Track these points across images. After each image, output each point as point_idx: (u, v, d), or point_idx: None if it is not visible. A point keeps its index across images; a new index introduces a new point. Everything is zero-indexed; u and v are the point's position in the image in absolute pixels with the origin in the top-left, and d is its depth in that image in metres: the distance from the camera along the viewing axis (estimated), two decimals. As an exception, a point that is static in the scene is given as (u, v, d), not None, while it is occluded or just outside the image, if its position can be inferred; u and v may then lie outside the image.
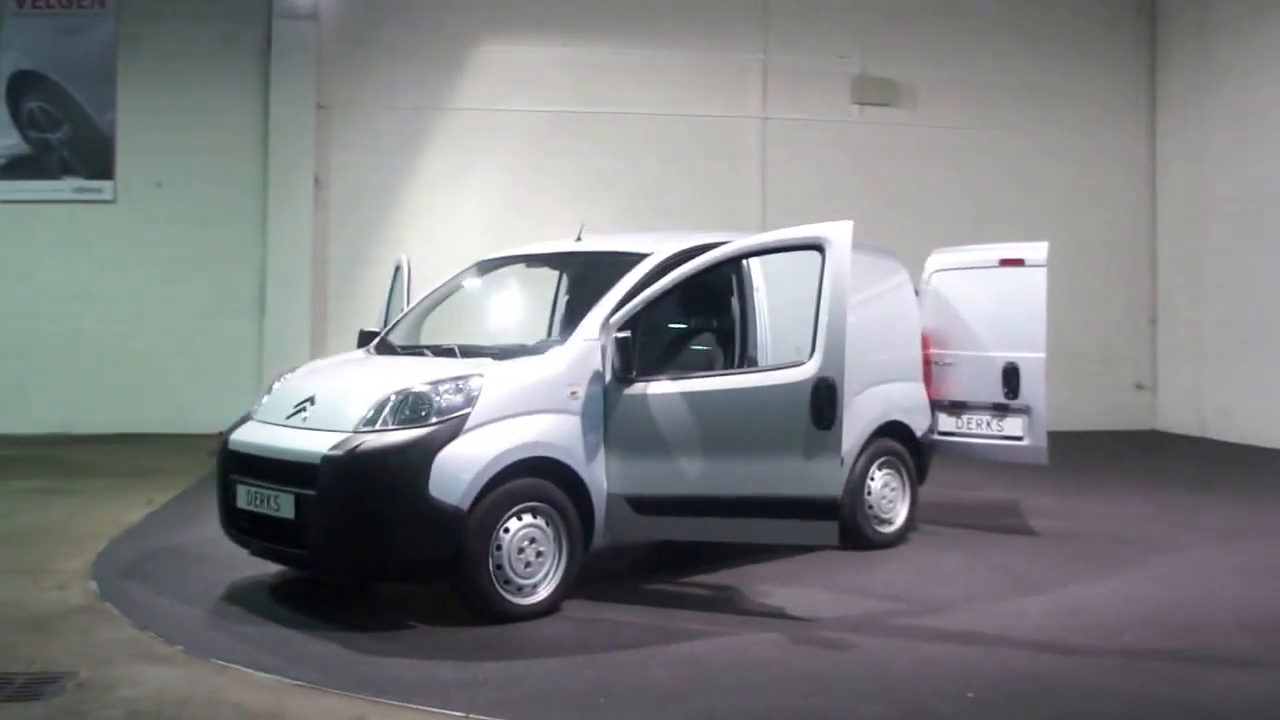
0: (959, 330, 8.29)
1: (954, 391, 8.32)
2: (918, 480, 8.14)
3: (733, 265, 6.84)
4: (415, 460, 5.60)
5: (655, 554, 7.54)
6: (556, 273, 7.83)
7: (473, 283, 7.69)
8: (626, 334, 6.05)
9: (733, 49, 15.22)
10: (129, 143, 14.16)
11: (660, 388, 6.13)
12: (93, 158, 14.09)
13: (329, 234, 14.65)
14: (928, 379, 8.28)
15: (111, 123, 14.09)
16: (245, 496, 6.12)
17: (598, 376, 6.15)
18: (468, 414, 5.76)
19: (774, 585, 6.73)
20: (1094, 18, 16.10)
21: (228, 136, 14.32)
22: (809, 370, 5.88)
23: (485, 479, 5.71)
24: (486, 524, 5.72)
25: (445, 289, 7.64)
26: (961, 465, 9.14)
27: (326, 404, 6.10)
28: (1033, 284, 8.00)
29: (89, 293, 14.03)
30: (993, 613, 6.18)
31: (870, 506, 7.74)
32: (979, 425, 8.24)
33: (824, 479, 5.86)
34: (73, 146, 14.04)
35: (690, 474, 6.09)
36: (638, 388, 6.13)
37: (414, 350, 6.89)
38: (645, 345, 6.95)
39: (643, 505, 6.18)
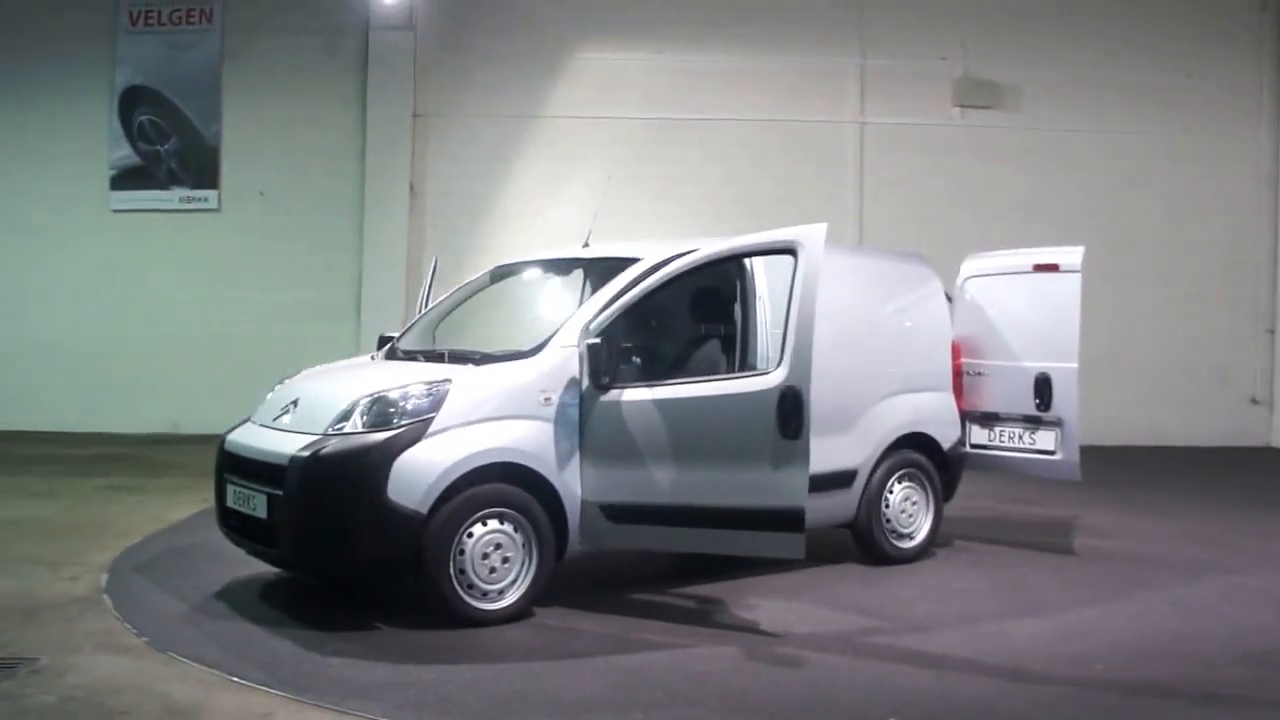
0: (991, 339, 7.97)
1: (986, 403, 8.00)
2: (944, 495, 7.84)
3: (735, 271, 6.73)
4: (374, 463, 5.64)
5: (662, 562, 7.44)
6: (577, 276, 7.82)
7: (488, 288, 7.74)
8: (597, 341, 5.98)
9: (829, 53, 14.98)
10: (233, 153, 14.70)
11: (635, 395, 6.06)
12: (199, 168, 14.66)
13: (424, 240, 14.93)
14: (959, 389, 7.97)
15: (217, 134, 14.65)
16: (232, 496, 6.28)
17: (574, 383, 6.10)
18: (431, 419, 5.78)
19: (764, 598, 6.59)
20: (1214, 11, 15.30)
21: (326, 146, 14.72)
22: (775, 379, 5.74)
23: (446, 483, 5.71)
24: (448, 528, 5.73)
25: (460, 294, 7.71)
26: (1023, 481, 8.79)
27: (305, 407, 6.21)
28: (1067, 290, 7.62)
29: (196, 298, 14.59)
30: (975, 635, 5.91)
31: (888, 520, 7.50)
32: (1011, 438, 7.90)
33: (790, 490, 5.71)
34: (180, 157, 14.63)
35: (662, 482, 5.99)
36: (613, 395, 6.06)
37: (412, 355, 6.95)
38: (644, 352, 6.96)
39: (616, 513, 6.10)
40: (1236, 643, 5.83)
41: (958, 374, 7.96)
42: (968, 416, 8.05)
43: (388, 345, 7.39)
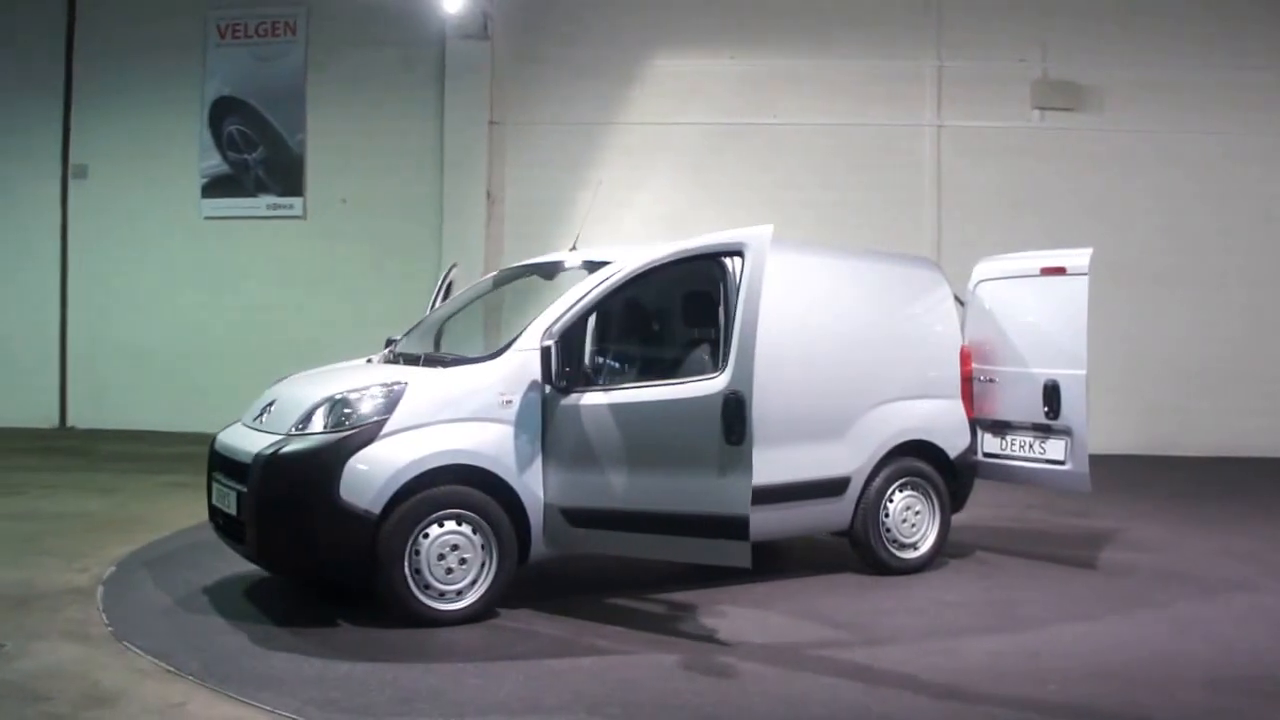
0: (1001, 345, 7.72)
1: (997, 410, 7.74)
2: (952, 505, 7.62)
3: (718, 273, 6.62)
4: (325, 464, 5.76)
5: (651, 567, 7.38)
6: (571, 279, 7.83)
7: (489, 292, 7.81)
8: (550, 344, 5.99)
9: (905, 56, 14.71)
10: (317, 162, 15.13)
11: (592, 399, 6.06)
12: (285, 176, 15.13)
13: (501, 247, 15.12)
14: (969, 397, 7.72)
15: (301, 143, 15.11)
16: (215, 494, 6.48)
17: (535, 386, 6.11)
18: (385, 420, 5.88)
19: (738, 606, 6.53)
20: (1307, 7, 14.52)
21: (406, 154, 15.04)
22: (719, 383, 5.67)
23: (398, 484, 5.80)
24: (401, 529, 5.81)
25: (464, 297, 7.82)
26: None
27: (278, 408, 6.38)
28: (1075, 294, 7.33)
29: (281, 302, 15.07)
30: (934, 650, 5.74)
31: (888, 530, 7.32)
32: (1022, 447, 7.63)
33: (734, 497, 5.63)
34: (267, 166, 15.12)
35: (617, 487, 5.98)
36: (573, 398, 6.07)
37: (398, 358, 7.06)
38: (626, 355, 6.94)
39: (576, 517, 6.11)
40: (1217, 666, 5.56)
41: (968, 380, 7.72)
42: (979, 424, 7.81)
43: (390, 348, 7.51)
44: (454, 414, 6.03)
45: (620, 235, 14.65)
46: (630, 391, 6.11)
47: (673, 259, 6.16)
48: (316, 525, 5.79)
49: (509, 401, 6.08)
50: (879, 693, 5.07)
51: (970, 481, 7.79)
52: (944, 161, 14.63)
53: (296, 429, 6.02)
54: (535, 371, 6.10)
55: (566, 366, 6.02)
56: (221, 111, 15.09)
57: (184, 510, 9.13)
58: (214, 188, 15.17)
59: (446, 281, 8.26)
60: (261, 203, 15.17)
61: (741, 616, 6.31)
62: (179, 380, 14.96)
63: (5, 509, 9.20)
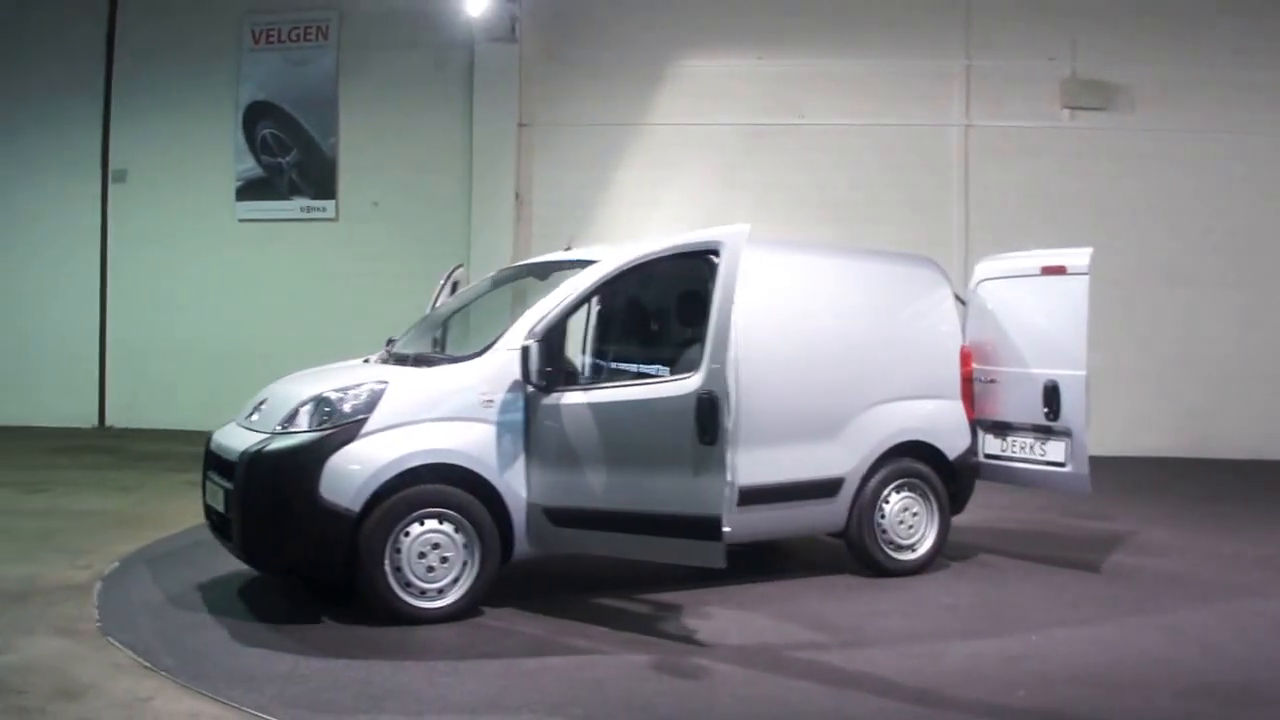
0: (1002, 345, 7.62)
1: (998, 411, 7.65)
2: (952, 507, 7.54)
3: (708, 273, 6.59)
4: (305, 462, 5.84)
5: (650, 567, 7.37)
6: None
7: (490, 292, 7.85)
8: (528, 344, 6.01)
9: (933, 55, 14.57)
10: (349, 164, 15.28)
11: (572, 398, 6.08)
12: (317, 179, 15.30)
13: (530, 248, 15.15)
14: (970, 397, 7.63)
15: (334, 146, 15.26)
16: (209, 492, 6.58)
17: (518, 386, 6.14)
18: (365, 419, 5.94)
19: (725, 607, 6.53)
20: (1356, -1, 14.18)
21: (436, 156, 15.15)
22: (694, 383, 5.67)
23: (379, 483, 5.86)
24: (382, 527, 5.87)
25: (464, 297, 7.87)
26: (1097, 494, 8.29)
27: (268, 407, 6.47)
28: (1075, 294, 7.21)
29: (316, 304, 15.20)
30: (915, 653, 5.70)
31: (884, 531, 7.26)
32: (1023, 449, 7.53)
33: (708, 497, 5.64)
34: (300, 169, 15.30)
35: (596, 487, 6.00)
36: (554, 397, 6.10)
37: (392, 358, 7.11)
38: (621, 354, 6.96)
39: (557, 516, 6.13)
40: (1200, 672, 5.48)
41: (968, 381, 7.64)
42: (980, 425, 7.73)
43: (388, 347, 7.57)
44: (435, 413, 6.07)
45: (647, 236, 14.60)
46: (609, 391, 6.14)
47: (649, 258, 6.18)
48: (297, 523, 5.86)
49: (490, 401, 6.12)
50: (847, 695, 5.04)
51: (971, 483, 7.70)
52: (972, 161, 14.47)
53: (281, 428, 6.10)
54: (517, 371, 6.12)
55: (548, 366, 6.04)
56: (255, 115, 15.28)
57: (196, 508, 8.99)
58: (248, 191, 15.37)
59: (450, 281, 8.30)
60: (295, 205, 15.35)
61: (726, 617, 6.30)
62: (214, 380, 15.08)
63: (26, 506, 9.40)
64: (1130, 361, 13.56)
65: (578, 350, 7.20)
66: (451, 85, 15.13)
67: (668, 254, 6.18)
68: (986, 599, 6.83)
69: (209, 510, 6.65)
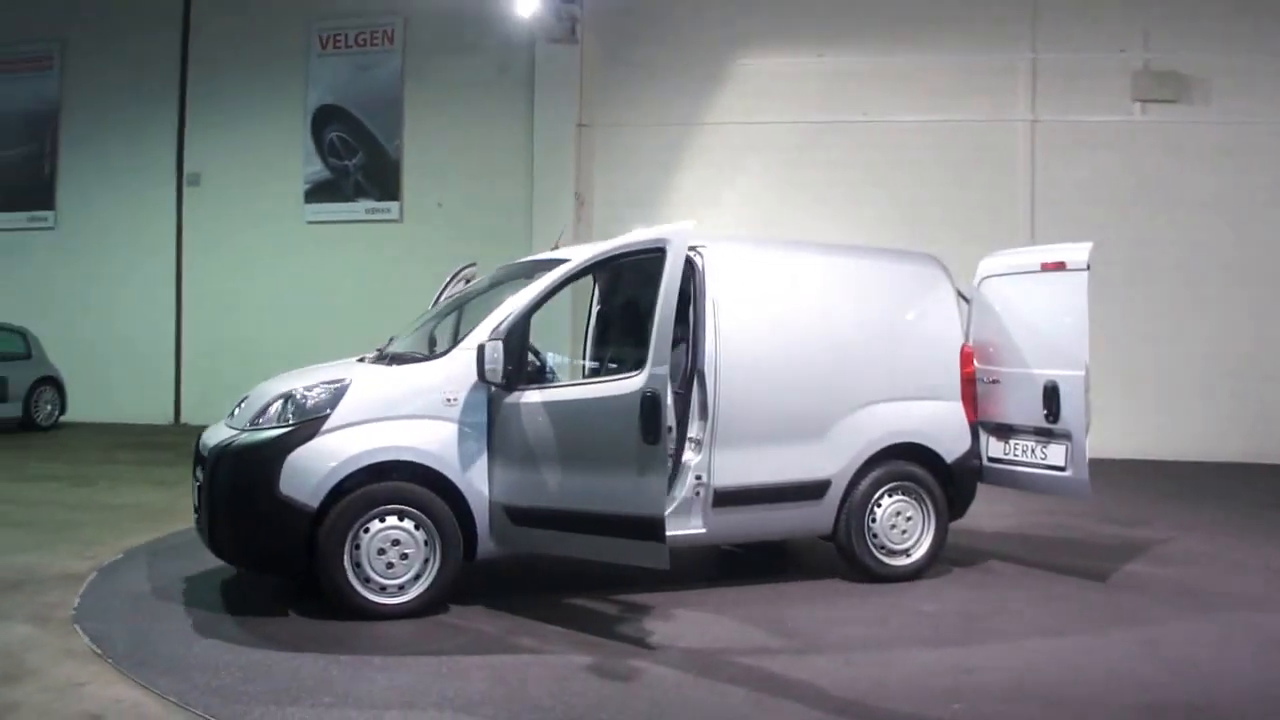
0: (1004, 344, 7.36)
1: (999, 413, 7.38)
2: (951, 512, 7.31)
3: (685, 273, 6.53)
4: (267, 458, 5.92)
5: (640, 569, 7.32)
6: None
7: (484, 291, 7.86)
8: (484, 343, 6.01)
9: (998, 49, 14.27)
10: (413, 166, 15.57)
11: (531, 397, 6.06)
12: (382, 181, 15.60)
13: (591, 248, 15.21)
14: (971, 398, 7.38)
15: (398, 148, 15.54)
16: (194, 487, 6.73)
17: (481, 385, 6.14)
18: (327, 416, 6.00)
19: (692, 609, 6.43)
20: None
21: (498, 157, 15.33)
22: (637, 383, 5.60)
23: (336, 479, 5.91)
24: (341, 523, 5.92)
25: (465, 295, 7.90)
26: (1137, 499, 7.98)
27: (247, 404, 6.58)
28: (1075, 291, 6.92)
29: (379, 303, 15.42)
30: (865, 661, 5.53)
31: (874, 535, 7.07)
32: (1024, 452, 7.26)
33: (650, 498, 5.56)
34: (365, 171, 15.62)
35: (551, 486, 5.97)
36: (514, 396, 6.08)
37: (376, 358, 7.16)
38: (600, 354, 6.91)
39: (516, 515, 6.12)
40: (1150, 690, 5.19)
41: (970, 382, 7.39)
42: (983, 427, 7.47)
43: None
44: (398, 411, 6.11)
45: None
46: (563, 390, 6.13)
47: (602, 258, 6.15)
48: (256, 518, 5.96)
49: (453, 400, 6.13)
50: (769, 703, 4.92)
51: (971, 487, 7.45)
52: (1038, 158, 14.13)
53: (251, 424, 6.20)
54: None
55: (509, 365, 6.02)
56: (323, 119, 15.64)
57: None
58: (315, 193, 15.73)
59: (458, 279, 8.34)
60: (360, 207, 15.65)
61: (690, 620, 6.21)
62: (281, 379, 15.54)
63: (66, 498, 9.74)
64: (1199, 363, 13.04)
65: (557, 350, 7.20)
66: (513, 87, 15.30)
67: (618, 254, 6.14)
68: (972, 608, 6.60)
69: (195, 506, 6.80)
